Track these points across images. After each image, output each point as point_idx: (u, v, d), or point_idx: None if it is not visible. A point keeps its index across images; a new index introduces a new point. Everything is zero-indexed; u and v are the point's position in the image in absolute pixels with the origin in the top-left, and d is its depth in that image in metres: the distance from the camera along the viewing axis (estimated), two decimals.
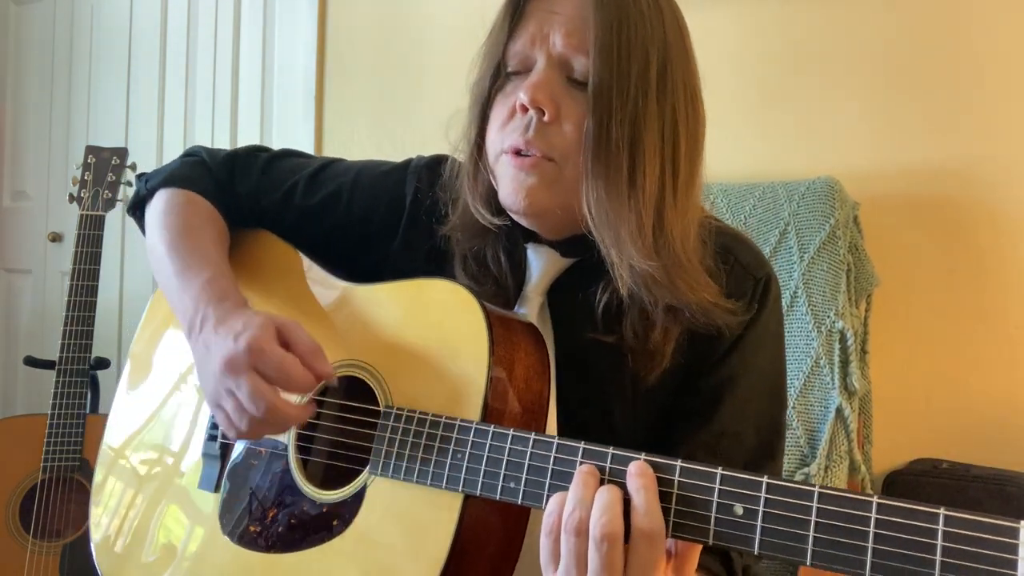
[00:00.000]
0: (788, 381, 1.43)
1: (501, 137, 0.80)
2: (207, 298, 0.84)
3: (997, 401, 1.56)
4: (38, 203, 2.87)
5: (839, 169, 1.60)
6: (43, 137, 2.86)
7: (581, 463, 0.65)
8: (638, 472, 0.62)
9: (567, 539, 0.61)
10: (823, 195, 1.51)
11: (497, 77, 0.81)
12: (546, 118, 0.76)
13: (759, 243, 1.51)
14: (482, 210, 0.82)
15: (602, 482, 0.63)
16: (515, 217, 0.82)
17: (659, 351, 0.80)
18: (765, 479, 0.58)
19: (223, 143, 2.49)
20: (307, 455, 0.86)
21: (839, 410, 1.42)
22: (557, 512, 0.63)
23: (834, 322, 1.45)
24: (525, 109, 0.77)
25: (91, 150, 1.99)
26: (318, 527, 0.79)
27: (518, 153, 0.78)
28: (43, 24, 2.88)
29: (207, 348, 0.81)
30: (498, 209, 0.83)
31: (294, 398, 0.83)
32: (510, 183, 0.79)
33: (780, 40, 1.75)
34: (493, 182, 0.82)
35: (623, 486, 0.62)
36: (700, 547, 0.65)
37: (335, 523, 0.78)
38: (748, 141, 1.76)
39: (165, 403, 1.00)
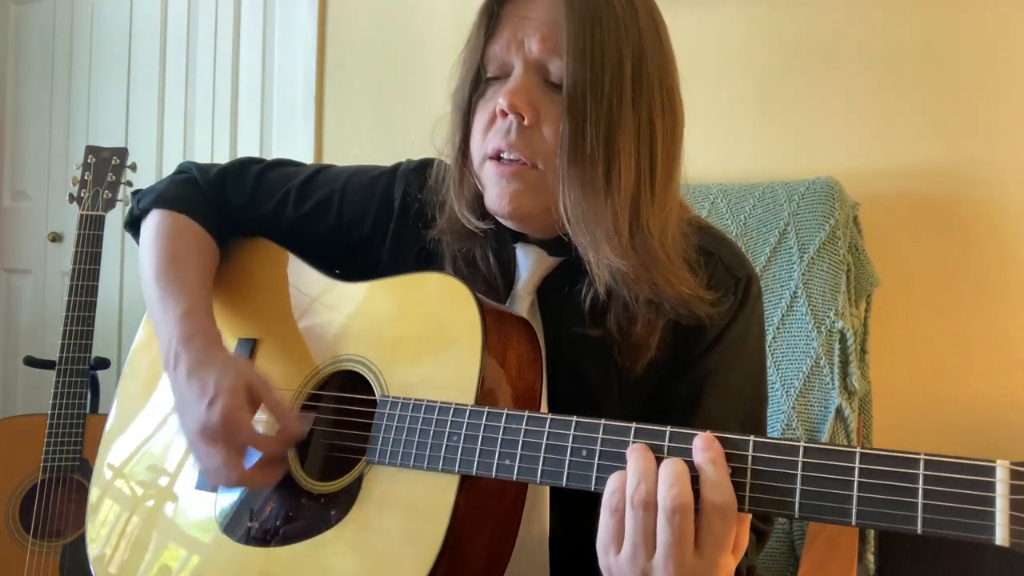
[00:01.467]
0: (788, 381, 1.44)
1: (484, 142, 0.81)
2: (180, 335, 0.87)
3: (997, 401, 1.56)
4: (38, 203, 2.87)
5: (839, 169, 1.60)
6: (43, 137, 2.86)
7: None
8: (705, 446, 0.61)
9: (634, 514, 0.60)
10: (823, 195, 1.51)
11: (477, 83, 0.82)
12: (526, 122, 0.78)
13: (759, 244, 1.51)
14: (468, 215, 0.84)
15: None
16: (501, 221, 0.84)
17: (643, 343, 0.82)
18: (752, 438, 0.60)
19: (223, 144, 2.49)
20: (304, 448, 0.87)
21: (839, 410, 1.42)
22: (620, 488, 0.61)
23: (834, 322, 1.45)
24: (505, 114, 0.78)
25: (91, 150, 1.99)
26: (316, 518, 0.79)
27: (499, 156, 0.80)
28: (43, 24, 2.88)
29: (180, 394, 0.84)
30: (484, 213, 0.84)
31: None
32: (494, 188, 0.81)
33: (779, 40, 1.75)
34: (479, 186, 0.83)
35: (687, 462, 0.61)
36: (748, 522, 0.64)
37: (333, 513, 0.78)
38: (747, 141, 1.76)
39: (161, 408, 1.00)
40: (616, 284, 0.79)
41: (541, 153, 0.78)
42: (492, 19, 0.81)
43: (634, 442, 0.64)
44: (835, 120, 1.69)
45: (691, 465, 0.61)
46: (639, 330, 0.81)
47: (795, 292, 1.48)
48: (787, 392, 1.45)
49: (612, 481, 0.62)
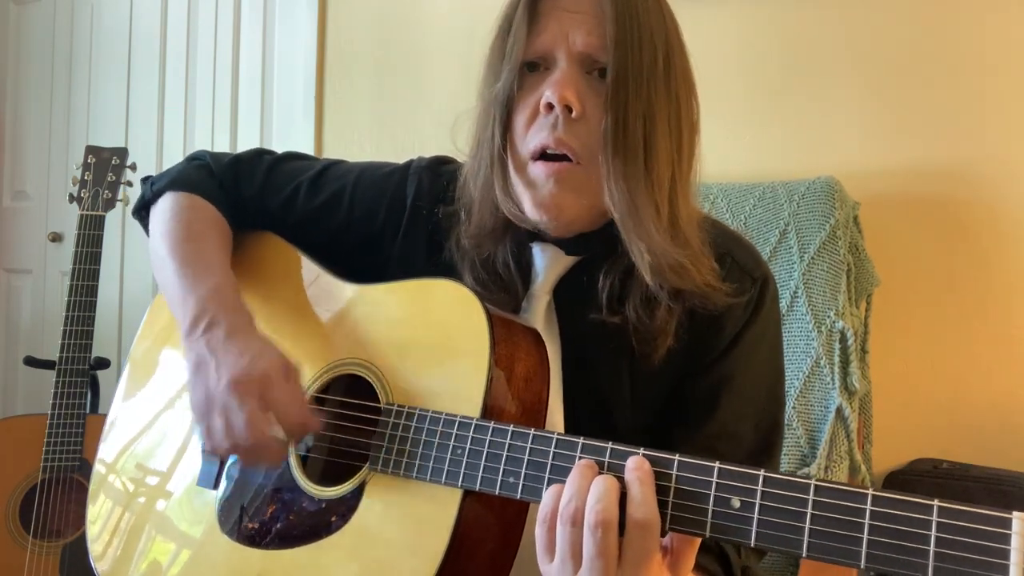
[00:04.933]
0: (788, 381, 1.44)
1: (526, 140, 0.80)
2: (217, 304, 0.85)
3: (997, 401, 1.56)
4: (38, 203, 2.87)
5: (839, 169, 1.60)
6: (43, 137, 2.86)
7: (580, 457, 0.66)
8: (635, 466, 0.63)
9: (562, 529, 0.62)
10: (823, 195, 1.51)
11: (520, 79, 0.81)
12: (574, 114, 0.78)
13: (759, 243, 1.51)
14: (519, 215, 0.83)
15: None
16: (540, 223, 0.82)
17: (662, 330, 0.82)
18: (762, 472, 0.59)
19: (223, 143, 2.49)
20: (307, 452, 0.87)
21: (839, 410, 1.42)
22: (553, 502, 0.64)
23: (834, 322, 1.45)
24: (550, 107, 0.78)
25: (91, 150, 1.99)
26: (317, 523, 0.79)
27: (544, 153, 0.79)
28: (43, 24, 2.88)
29: (211, 352, 0.81)
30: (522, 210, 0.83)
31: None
32: (539, 192, 0.80)
33: (780, 40, 1.75)
34: (519, 187, 0.82)
35: (621, 479, 0.63)
36: (697, 545, 0.65)
37: (334, 519, 0.78)
38: (748, 141, 1.76)
39: (164, 403, 1.00)
40: (660, 277, 0.79)
41: (587, 146, 0.78)
42: (533, 13, 0.81)
43: (580, 457, 0.65)
44: (835, 120, 1.69)
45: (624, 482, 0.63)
46: (659, 315, 0.81)
47: (795, 292, 1.48)
48: (787, 392, 1.45)
49: (548, 494, 0.65)
